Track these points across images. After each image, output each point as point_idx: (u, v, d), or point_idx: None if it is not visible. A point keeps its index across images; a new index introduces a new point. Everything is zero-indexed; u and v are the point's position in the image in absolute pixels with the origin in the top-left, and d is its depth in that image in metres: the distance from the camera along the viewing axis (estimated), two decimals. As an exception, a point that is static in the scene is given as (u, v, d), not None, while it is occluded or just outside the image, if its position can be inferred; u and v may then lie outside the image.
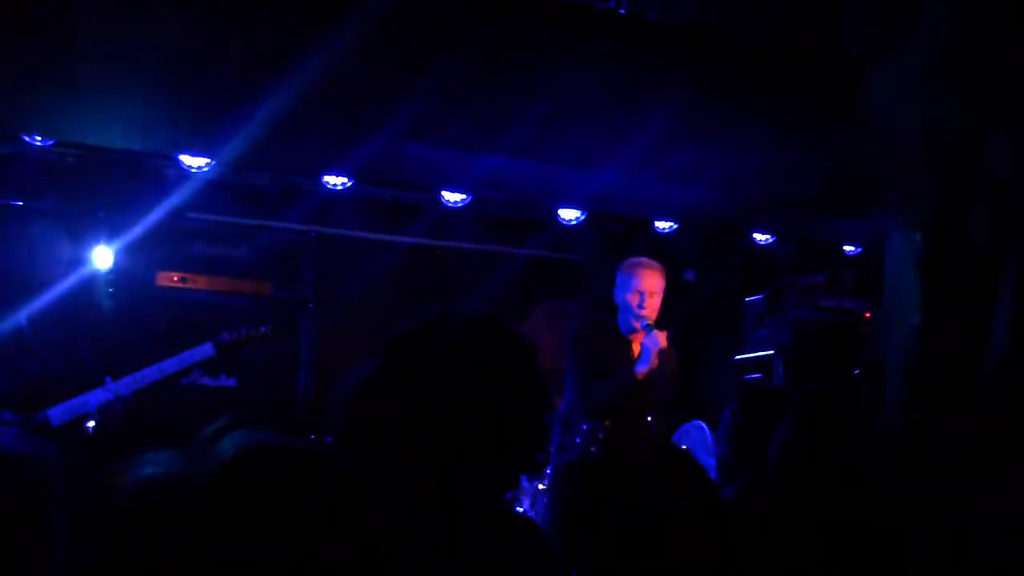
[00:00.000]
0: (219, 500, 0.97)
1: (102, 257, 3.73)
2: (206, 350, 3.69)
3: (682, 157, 5.28)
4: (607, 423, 4.20)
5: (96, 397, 3.54)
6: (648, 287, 4.33)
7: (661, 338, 4.23)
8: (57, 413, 3.53)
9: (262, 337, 3.84)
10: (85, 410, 3.53)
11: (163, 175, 5.34)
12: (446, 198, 5.94)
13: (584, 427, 4.20)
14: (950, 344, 1.65)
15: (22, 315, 3.66)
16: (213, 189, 5.49)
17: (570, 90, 4.75)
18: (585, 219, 6.32)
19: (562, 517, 1.87)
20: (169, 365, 3.63)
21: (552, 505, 3.93)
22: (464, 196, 5.94)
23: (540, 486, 4.56)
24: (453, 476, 1.47)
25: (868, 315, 5.75)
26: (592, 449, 4.12)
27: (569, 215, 6.28)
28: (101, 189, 5.10)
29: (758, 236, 6.72)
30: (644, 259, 4.48)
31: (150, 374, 3.59)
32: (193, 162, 5.24)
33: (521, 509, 4.53)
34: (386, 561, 1.02)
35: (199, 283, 5.13)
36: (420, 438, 1.47)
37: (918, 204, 1.73)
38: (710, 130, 5.14)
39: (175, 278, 5.10)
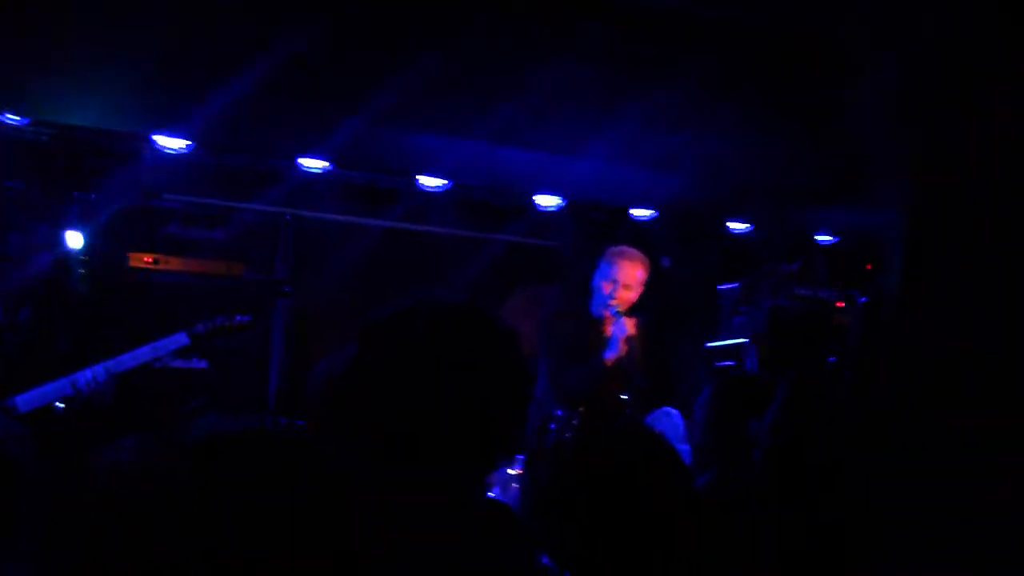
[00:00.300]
0: (188, 486, 0.97)
1: (74, 238, 3.65)
2: (180, 339, 3.62)
3: (661, 146, 5.29)
4: (581, 409, 4.23)
5: (65, 386, 3.47)
6: (625, 279, 4.35)
7: (629, 325, 4.26)
8: (24, 400, 3.46)
9: (237, 327, 3.76)
10: (53, 398, 3.47)
11: (138, 155, 5.30)
12: (424, 183, 5.92)
13: (558, 413, 4.22)
14: (929, 334, 1.66)
15: None
16: (188, 170, 5.45)
17: (550, 77, 4.73)
18: (564, 206, 6.32)
19: (537, 503, 1.88)
20: (143, 353, 3.57)
21: (526, 491, 3.95)
22: (443, 181, 5.92)
23: (511, 471, 4.57)
24: (431, 464, 1.46)
25: (841, 304, 5.78)
26: (566, 435, 4.14)
27: (548, 202, 6.28)
28: (75, 169, 5.05)
29: (734, 225, 6.75)
30: (628, 249, 4.48)
31: (122, 362, 3.54)
32: (169, 143, 5.20)
33: (492, 494, 4.54)
34: (358, 550, 1.02)
35: (172, 265, 5.08)
36: (397, 426, 1.46)
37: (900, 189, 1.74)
38: (689, 119, 5.14)
39: (148, 259, 5.05)
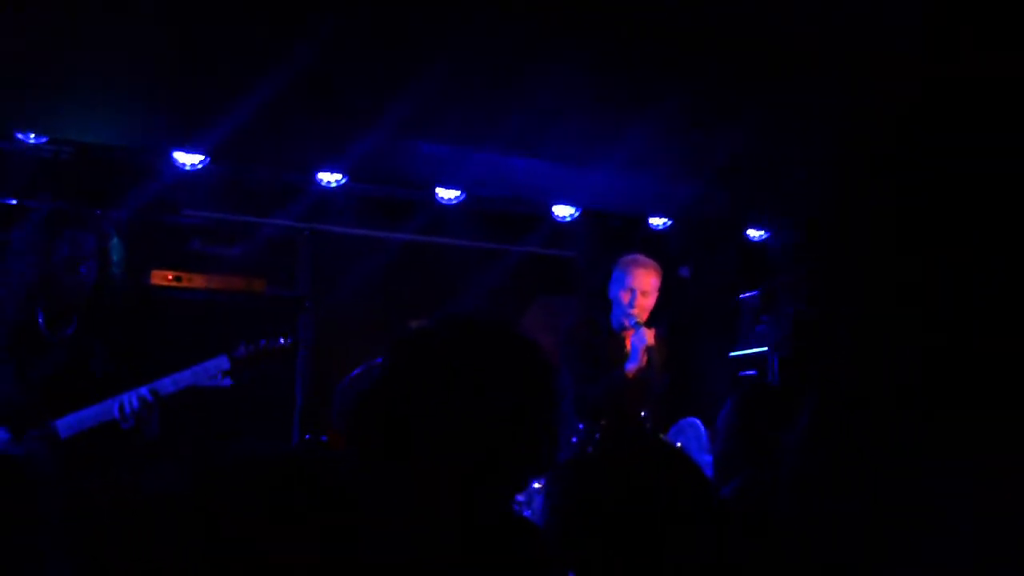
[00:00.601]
0: (211, 511, 0.96)
1: (104, 256, 3.53)
2: (221, 363, 3.49)
3: (678, 153, 5.28)
4: (603, 422, 4.21)
5: (107, 410, 3.32)
6: (641, 286, 4.34)
7: (649, 336, 4.25)
8: (65, 424, 3.32)
9: (279, 350, 3.59)
10: (94, 423, 3.33)
11: (157, 172, 5.32)
12: (440, 195, 5.92)
13: (580, 426, 4.21)
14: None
15: (36, 317, 3.40)
16: (208, 186, 5.47)
17: (565, 86, 4.73)
18: (580, 215, 6.31)
19: (559, 517, 1.87)
20: (183, 378, 3.40)
21: (549, 505, 3.93)
22: (458, 193, 5.92)
23: (535, 484, 4.56)
24: (461, 481, 1.46)
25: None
26: (588, 449, 4.12)
27: (564, 212, 6.27)
28: (95, 187, 5.07)
29: (752, 232, 6.71)
30: (641, 256, 4.48)
31: (163, 386, 3.38)
32: (187, 159, 5.22)
33: (516, 507, 4.53)
34: (384, 569, 1.01)
35: (195, 282, 5.09)
36: (426, 443, 1.46)
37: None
38: (705, 126, 5.13)
39: (170, 276, 5.07)
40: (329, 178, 5.61)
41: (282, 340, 3.62)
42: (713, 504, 1.88)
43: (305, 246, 5.69)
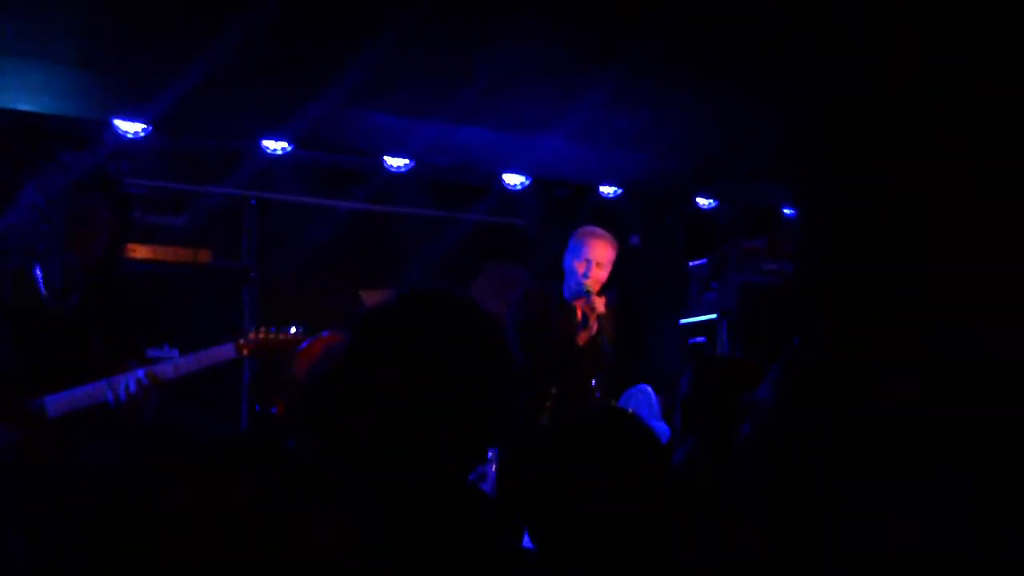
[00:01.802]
0: (173, 494, 0.95)
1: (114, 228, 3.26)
2: (227, 351, 3.23)
3: (626, 123, 5.28)
4: (554, 390, 4.23)
5: (101, 391, 3.05)
6: (597, 257, 4.36)
7: (599, 303, 4.27)
8: (54, 401, 3.05)
9: (292, 340, 3.35)
10: (88, 403, 3.06)
11: (98, 141, 5.21)
12: (389, 163, 5.88)
13: (532, 395, 4.22)
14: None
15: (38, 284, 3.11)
16: (150, 154, 5.37)
17: (515, 55, 4.71)
18: (530, 184, 6.31)
19: (513, 485, 1.87)
20: (185, 364, 3.15)
21: (502, 474, 3.94)
22: (407, 161, 5.88)
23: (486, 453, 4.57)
24: (421, 456, 1.46)
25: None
26: (541, 418, 4.14)
27: (514, 180, 6.26)
28: (33, 156, 4.95)
29: (701, 200, 6.77)
30: (598, 229, 4.49)
31: (163, 371, 3.09)
32: (129, 127, 5.12)
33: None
34: (342, 551, 1.01)
35: (138, 252, 5.00)
36: (388, 419, 1.45)
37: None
38: (654, 96, 5.14)
39: (113, 247, 4.97)
40: (274, 146, 5.54)
41: (289, 329, 3.37)
42: (668, 470, 1.89)
43: (251, 215, 5.62)
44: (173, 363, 3.17)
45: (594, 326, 4.25)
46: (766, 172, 6.04)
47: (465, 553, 1.50)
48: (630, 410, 4.58)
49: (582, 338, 4.27)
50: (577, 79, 4.95)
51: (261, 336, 3.29)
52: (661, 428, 4.55)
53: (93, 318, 3.18)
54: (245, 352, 3.27)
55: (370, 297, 5.41)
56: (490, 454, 4.58)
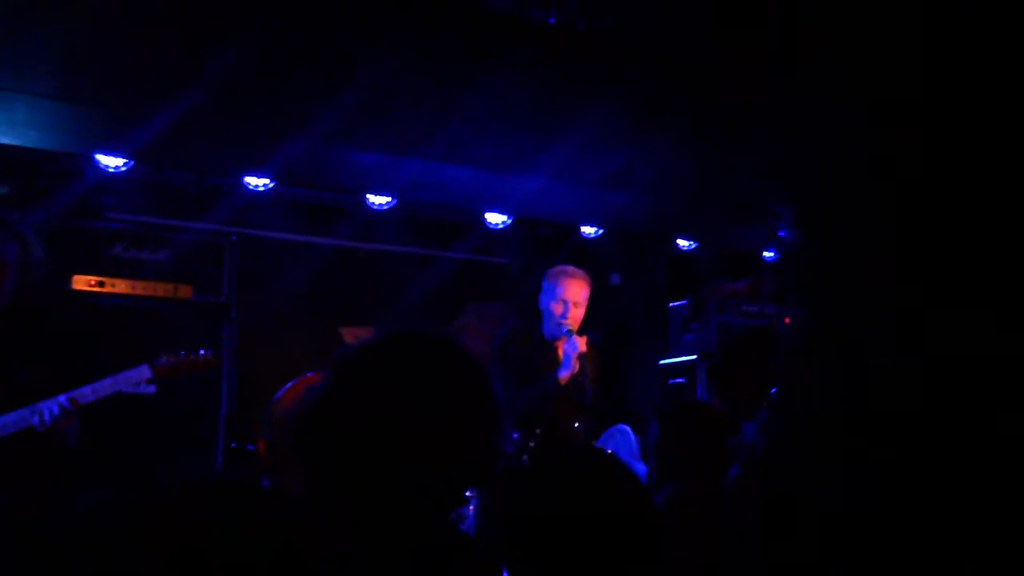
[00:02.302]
0: (151, 538, 0.94)
1: (25, 262, 3.46)
2: (143, 372, 3.46)
3: (608, 163, 5.32)
4: (537, 431, 4.21)
5: (26, 417, 3.26)
6: (572, 296, 4.37)
7: (581, 343, 4.27)
8: None
9: (202, 363, 3.60)
10: (13, 429, 3.26)
11: (80, 175, 5.20)
12: (371, 200, 5.89)
13: (515, 436, 4.21)
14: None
15: None
16: (132, 189, 5.36)
17: (498, 96, 4.74)
18: (512, 223, 6.32)
19: (495, 526, 1.86)
20: (103, 387, 3.36)
21: (485, 514, 3.92)
22: (389, 199, 5.89)
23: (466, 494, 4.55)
24: (401, 496, 1.44)
25: (788, 320, 5.86)
26: (523, 458, 4.12)
27: (496, 219, 6.28)
28: (16, 190, 4.94)
29: (681, 242, 6.80)
30: (570, 268, 4.50)
31: (83, 395, 3.37)
32: (111, 161, 5.11)
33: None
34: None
35: (118, 287, 4.97)
36: (369, 458, 1.44)
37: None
38: (636, 137, 5.18)
39: (92, 282, 4.94)
40: (256, 182, 5.54)
41: (203, 352, 3.64)
42: (650, 511, 1.89)
43: (232, 251, 5.60)
44: (91, 387, 3.36)
45: (576, 365, 4.25)
46: (747, 215, 6.09)
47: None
48: (609, 451, 4.56)
49: (564, 377, 4.26)
50: (559, 119, 4.99)
51: (174, 359, 3.49)
52: (640, 469, 4.54)
53: (14, 351, 3.32)
54: (160, 374, 3.50)
55: (351, 335, 5.40)
56: (469, 493, 4.55)
